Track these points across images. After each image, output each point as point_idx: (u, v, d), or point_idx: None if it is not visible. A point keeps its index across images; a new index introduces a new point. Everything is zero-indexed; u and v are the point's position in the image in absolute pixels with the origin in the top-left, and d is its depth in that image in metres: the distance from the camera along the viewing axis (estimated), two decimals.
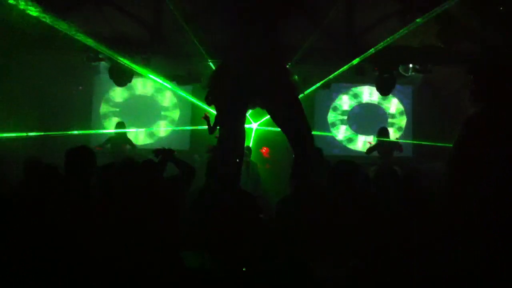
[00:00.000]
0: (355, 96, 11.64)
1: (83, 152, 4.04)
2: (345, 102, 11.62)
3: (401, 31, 6.68)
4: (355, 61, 7.55)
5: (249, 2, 4.13)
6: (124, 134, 9.99)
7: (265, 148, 10.32)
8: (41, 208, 3.49)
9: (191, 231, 3.78)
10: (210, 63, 8.64)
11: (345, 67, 7.96)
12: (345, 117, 11.58)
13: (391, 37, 6.75)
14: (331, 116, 11.56)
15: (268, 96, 4.32)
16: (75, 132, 9.53)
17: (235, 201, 3.94)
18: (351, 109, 11.61)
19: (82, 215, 3.50)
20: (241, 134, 4.37)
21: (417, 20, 6.39)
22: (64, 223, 3.40)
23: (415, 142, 10.99)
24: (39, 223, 3.33)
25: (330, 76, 8.52)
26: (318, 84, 9.26)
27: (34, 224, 3.31)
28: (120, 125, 10.05)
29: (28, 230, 3.25)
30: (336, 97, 11.57)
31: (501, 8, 6.09)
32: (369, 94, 11.55)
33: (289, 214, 3.86)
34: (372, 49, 7.26)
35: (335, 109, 11.59)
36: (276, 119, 4.49)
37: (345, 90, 11.59)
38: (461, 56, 7.96)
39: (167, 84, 10.36)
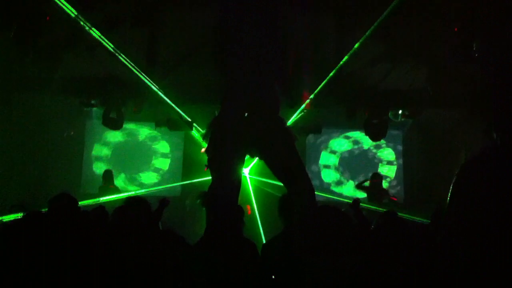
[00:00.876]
0: (346, 141, 11.72)
1: (64, 200, 4.04)
2: (336, 147, 11.68)
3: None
4: None
5: (253, 52, 4.08)
6: (112, 182, 9.86)
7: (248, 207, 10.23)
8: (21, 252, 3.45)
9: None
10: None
11: None
12: (336, 163, 11.61)
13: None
14: (323, 161, 11.59)
15: (266, 145, 4.27)
16: None
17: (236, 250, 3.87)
18: (342, 155, 11.65)
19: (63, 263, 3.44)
20: (235, 184, 4.28)
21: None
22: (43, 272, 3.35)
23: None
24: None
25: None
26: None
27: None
28: (107, 173, 9.94)
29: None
30: (327, 141, 11.63)
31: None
32: (360, 139, 11.61)
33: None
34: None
35: (326, 154, 11.63)
36: (274, 168, 4.41)
37: (336, 135, 11.66)
38: (450, 99, 8.09)
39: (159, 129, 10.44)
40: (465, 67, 6.75)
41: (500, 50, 6.23)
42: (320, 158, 11.59)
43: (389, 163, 11.57)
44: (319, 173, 11.50)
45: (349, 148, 11.69)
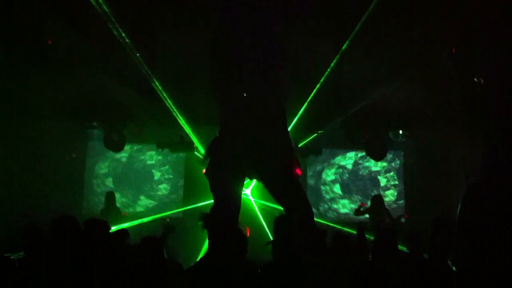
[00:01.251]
0: (346, 161, 11.72)
1: (67, 221, 4.04)
2: (336, 168, 11.67)
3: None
4: None
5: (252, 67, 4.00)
6: (114, 204, 9.83)
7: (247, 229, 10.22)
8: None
9: None
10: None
11: None
12: (337, 184, 11.61)
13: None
14: (324, 183, 11.57)
15: (264, 168, 4.19)
16: None
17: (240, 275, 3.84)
18: (342, 176, 11.65)
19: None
20: (236, 204, 4.22)
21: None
22: None
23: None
24: None
25: None
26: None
27: None
28: (109, 195, 9.94)
29: None
30: (328, 163, 11.63)
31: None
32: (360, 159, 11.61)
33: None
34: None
35: (326, 175, 11.61)
36: (272, 192, 4.31)
37: (336, 155, 11.66)
38: (449, 121, 8.11)
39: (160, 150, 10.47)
40: (465, 68, 6.71)
41: (500, 51, 6.27)
42: (323, 192, 11.57)
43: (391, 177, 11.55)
44: (331, 206, 11.48)
45: (344, 174, 11.69)
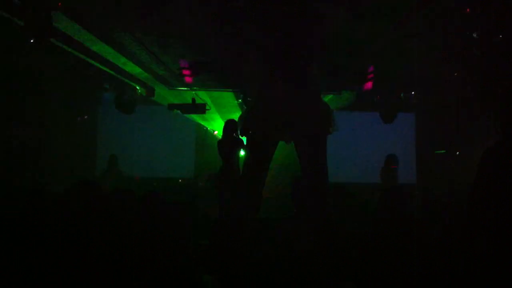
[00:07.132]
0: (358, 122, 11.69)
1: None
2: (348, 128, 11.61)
3: None
4: None
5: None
6: (114, 166, 9.91)
7: None
8: None
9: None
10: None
11: None
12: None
13: None
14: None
15: (299, 129, 3.91)
16: None
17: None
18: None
19: None
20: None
21: None
22: None
23: None
24: None
25: None
26: None
27: None
28: (111, 157, 9.97)
29: None
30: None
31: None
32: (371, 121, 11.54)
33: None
34: None
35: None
36: (301, 154, 3.87)
37: (347, 117, 11.58)
38: (462, 83, 8.03)
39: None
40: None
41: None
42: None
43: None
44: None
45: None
